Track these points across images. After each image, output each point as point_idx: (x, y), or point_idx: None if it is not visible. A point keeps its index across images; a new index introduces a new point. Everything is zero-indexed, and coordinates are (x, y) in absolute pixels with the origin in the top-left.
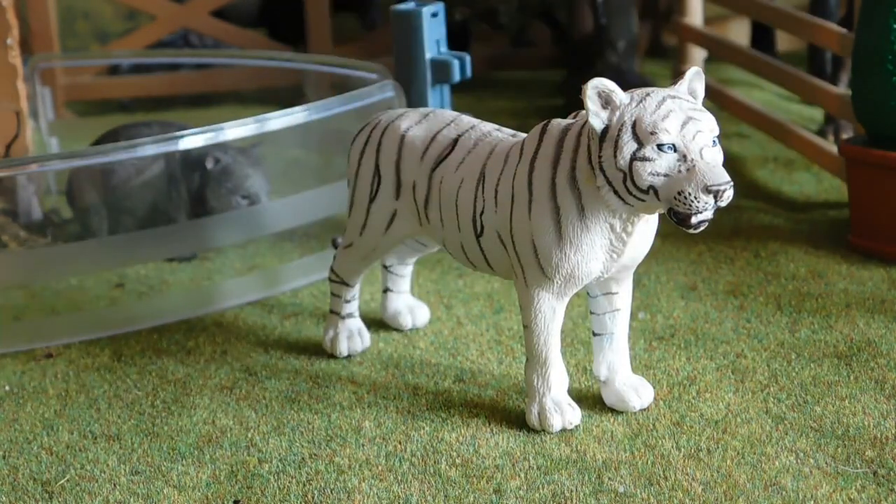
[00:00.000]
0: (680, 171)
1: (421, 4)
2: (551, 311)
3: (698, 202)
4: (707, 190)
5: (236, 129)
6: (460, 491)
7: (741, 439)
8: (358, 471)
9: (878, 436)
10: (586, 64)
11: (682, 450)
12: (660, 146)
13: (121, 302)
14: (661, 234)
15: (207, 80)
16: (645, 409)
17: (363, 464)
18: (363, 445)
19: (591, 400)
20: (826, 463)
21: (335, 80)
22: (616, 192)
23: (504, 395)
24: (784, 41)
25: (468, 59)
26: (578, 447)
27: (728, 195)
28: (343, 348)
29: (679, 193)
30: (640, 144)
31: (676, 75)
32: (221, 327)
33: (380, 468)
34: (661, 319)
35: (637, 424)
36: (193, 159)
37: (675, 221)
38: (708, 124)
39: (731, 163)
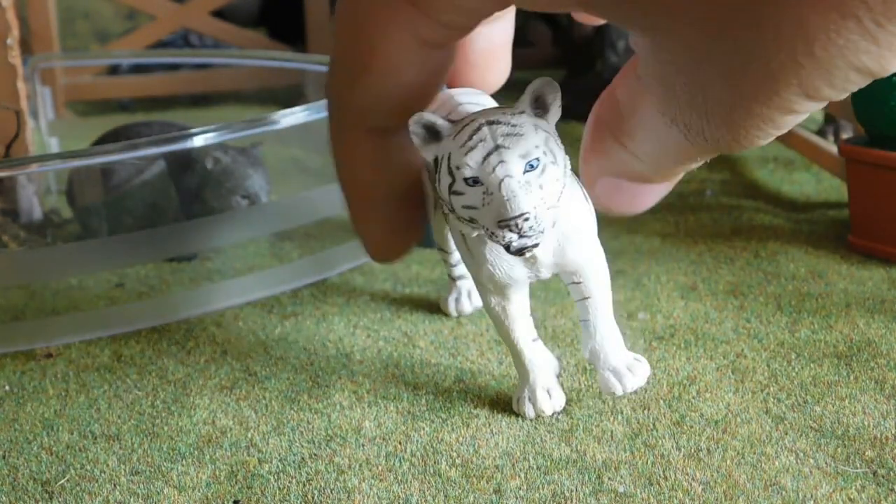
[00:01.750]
0: (484, 204)
1: None
2: (500, 308)
3: (495, 236)
4: (498, 225)
5: (237, 130)
6: (460, 491)
7: (741, 439)
8: (358, 471)
9: (878, 436)
10: (586, 64)
11: (682, 450)
12: (465, 180)
13: (121, 302)
14: (660, 234)
15: (207, 80)
16: (645, 410)
17: (363, 464)
18: (363, 445)
19: (590, 400)
20: (826, 463)
21: None
22: (457, 219)
23: (504, 395)
24: None
25: None
26: (578, 447)
27: (527, 226)
28: (451, 309)
29: (483, 226)
30: (453, 178)
31: None
32: (221, 327)
33: (380, 468)
34: (661, 319)
35: (637, 424)
36: (193, 159)
37: None
38: (520, 150)
39: (731, 163)
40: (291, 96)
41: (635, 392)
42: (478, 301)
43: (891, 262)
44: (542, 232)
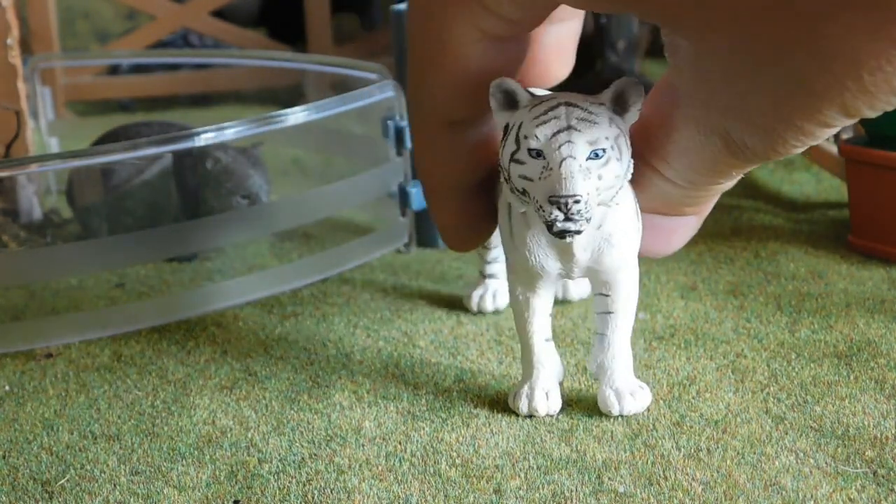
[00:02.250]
0: (541, 178)
1: None
2: (524, 298)
3: (543, 211)
4: (549, 200)
5: (237, 130)
6: (460, 491)
7: (741, 439)
8: (358, 471)
9: (878, 436)
10: (586, 64)
11: (682, 450)
12: (529, 150)
13: (121, 302)
14: None
15: (207, 80)
16: (645, 410)
17: (363, 464)
18: (363, 445)
19: (590, 400)
20: (826, 463)
21: (335, 80)
22: (510, 190)
23: (504, 395)
24: None
25: None
26: (578, 447)
27: (575, 209)
28: (473, 304)
29: (534, 199)
30: (518, 146)
31: None
32: (221, 327)
33: (380, 468)
34: (660, 319)
35: (637, 424)
36: (193, 159)
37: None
38: (589, 136)
39: None
40: (291, 96)
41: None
42: (500, 301)
43: (891, 262)
44: (588, 220)
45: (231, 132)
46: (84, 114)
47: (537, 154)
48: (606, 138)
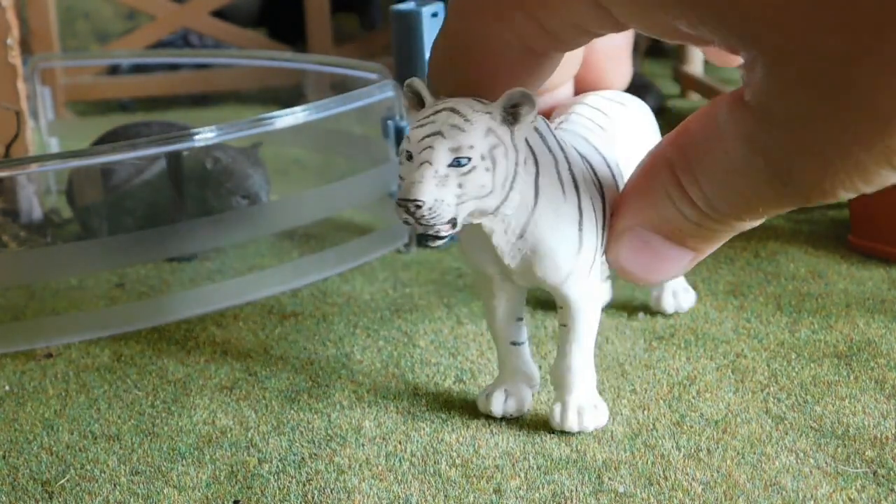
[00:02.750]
0: (403, 180)
1: (421, 4)
2: (485, 301)
3: (397, 212)
4: (398, 200)
5: (237, 130)
6: (460, 491)
7: (741, 439)
8: (358, 471)
9: (879, 436)
10: None
11: (682, 450)
12: (404, 151)
13: (121, 302)
14: None
15: (207, 80)
16: (645, 410)
17: (363, 464)
18: (363, 445)
19: None
20: (826, 463)
21: (335, 80)
22: None
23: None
24: None
25: None
26: (578, 447)
27: (419, 213)
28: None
29: None
30: (402, 146)
31: (676, 75)
32: (221, 327)
33: (380, 468)
34: (661, 319)
35: (637, 424)
36: (192, 159)
37: None
38: (453, 143)
39: None
40: (291, 96)
41: (590, 431)
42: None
43: (891, 262)
44: (438, 227)
45: (231, 132)
46: (84, 114)
47: (408, 157)
48: (472, 147)
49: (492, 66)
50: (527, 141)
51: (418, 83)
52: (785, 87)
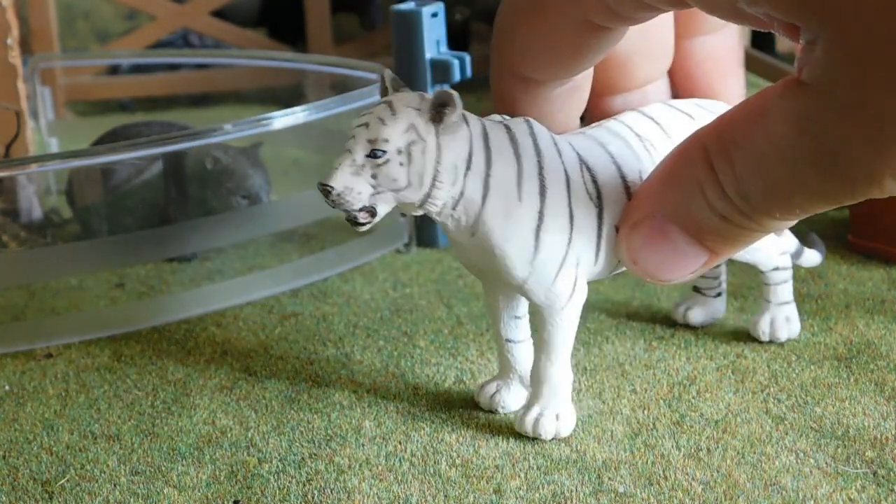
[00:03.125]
0: None
1: (421, 4)
2: (484, 290)
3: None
4: (318, 183)
5: (237, 130)
6: (460, 491)
7: (741, 439)
8: (358, 471)
9: (878, 436)
10: None
11: (682, 450)
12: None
13: (121, 302)
14: None
15: (207, 80)
16: (645, 410)
17: (363, 464)
18: (363, 445)
19: (590, 400)
20: (826, 463)
21: (335, 80)
22: None
23: None
24: (784, 41)
25: (468, 59)
26: (578, 447)
27: (331, 198)
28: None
29: None
30: None
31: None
32: (221, 327)
33: (380, 468)
34: (661, 319)
35: (637, 424)
36: (192, 159)
37: None
38: (371, 135)
39: None
40: (291, 96)
41: (551, 438)
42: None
43: (891, 262)
44: (354, 213)
45: (231, 132)
46: (84, 114)
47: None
48: (387, 140)
49: (551, 39)
50: (486, 140)
51: (387, 74)
52: (848, 66)
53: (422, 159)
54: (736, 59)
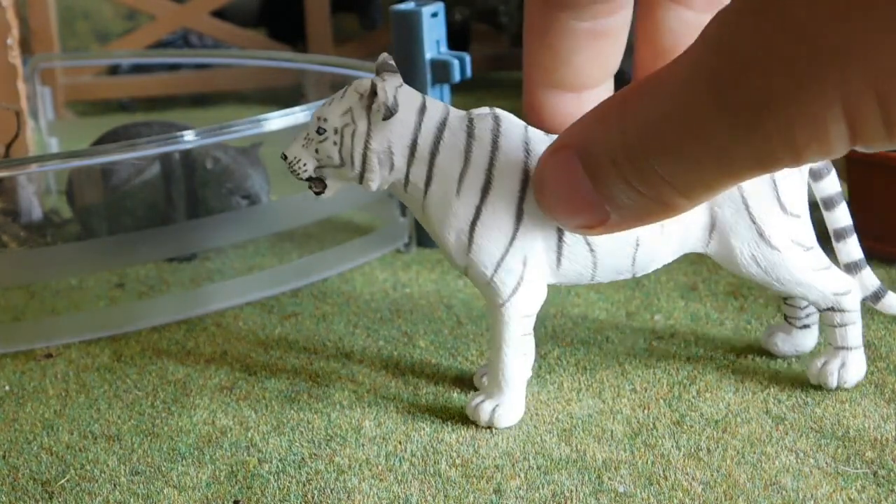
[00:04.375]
0: None
1: (421, 4)
2: None
3: None
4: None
5: (237, 130)
6: (460, 491)
7: (741, 439)
8: (358, 471)
9: (879, 437)
10: None
11: (682, 449)
12: None
13: (121, 302)
14: None
15: (207, 80)
16: (645, 410)
17: (363, 464)
18: (363, 445)
19: (590, 400)
20: (826, 463)
21: (335, 80)
22: None
23: None
24: None
25: (468, 59)
26: (578, 447)
27: (286, 164)
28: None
29: None
30: None
31: None
32: (221, 327)
33: (380, 468)
34: (661, 319)
35: (637, 424)
36: (192, 159)
37: None
38: (319, 113)
39: None
40: (291, 96)
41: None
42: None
43: (891, 262)
44: (309, 183)
45: (231, 132)
46: (84, 114)
47: None
48: (326, 119)
49: (560, 48)
50: (440, 131)
51: (382, 57)
52: (748, 16)
53: (350, 142)
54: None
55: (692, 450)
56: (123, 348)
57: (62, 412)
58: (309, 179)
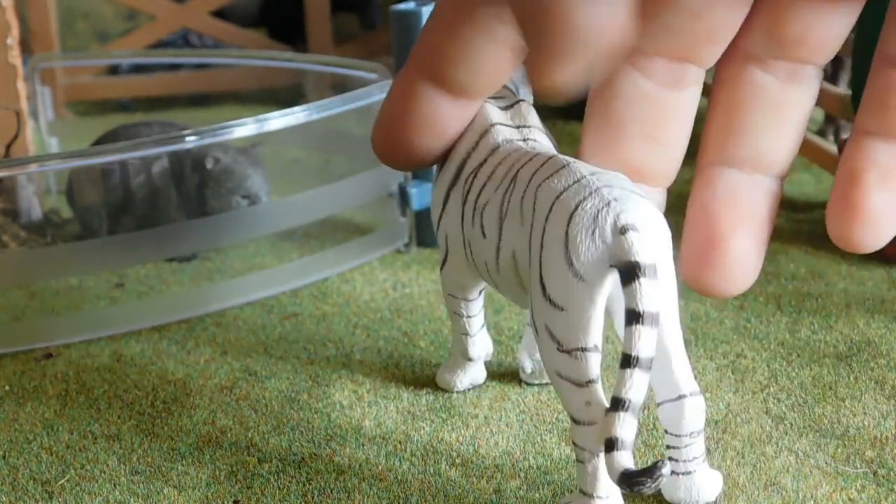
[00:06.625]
0: None
1: (421, 4)
2: None
3: None
4: None
5: (237, 130)
6: (460, 491)
7: (741, 439)
8: (358, 471)
9: (878, 436)
10: None
11: None
12: None
13: (121, 302)
14: None
15: (207, 80)
16: (644, 409)
17: (363, 464)
18: (363, 445)
19: None
20: (826, 463)
21: (335, 80)
22: None
23: (504, 394)
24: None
25: None
26: None
27: None
28: None
29: None
30: None
31: None
32: (221, 327)
33: (380, 468)
34: None
35: (637, 424)
36: (193, 159)
37: None
38: None
39: None
40: (291, 96)
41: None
42: None
43: (891, 262)
44: None
45: (231, 132)
46: (84, 114)
47: None
48: None
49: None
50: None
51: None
52: None
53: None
54: None
55: None
56: (123, 348)
57: (62, 412)
58: None
